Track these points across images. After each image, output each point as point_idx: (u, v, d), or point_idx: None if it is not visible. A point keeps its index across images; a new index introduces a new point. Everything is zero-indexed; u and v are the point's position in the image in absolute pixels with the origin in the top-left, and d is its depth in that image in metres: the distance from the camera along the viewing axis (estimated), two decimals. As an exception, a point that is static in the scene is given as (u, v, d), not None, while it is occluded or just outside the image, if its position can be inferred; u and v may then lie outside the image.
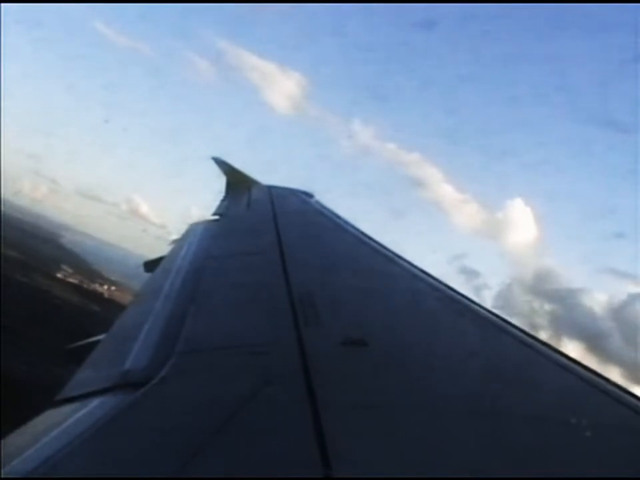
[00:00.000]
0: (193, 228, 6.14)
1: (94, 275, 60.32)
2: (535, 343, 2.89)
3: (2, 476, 1.51)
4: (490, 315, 3.29)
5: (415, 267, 4.35)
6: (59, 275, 49.73)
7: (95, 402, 2.06)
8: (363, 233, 5.53)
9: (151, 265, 5.04)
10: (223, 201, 7.91)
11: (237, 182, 8.79)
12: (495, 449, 1.81)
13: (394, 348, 2.63)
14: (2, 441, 1.84)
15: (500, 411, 2.08)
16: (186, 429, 1.79)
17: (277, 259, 3.99)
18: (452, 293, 3.73)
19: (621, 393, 2.33)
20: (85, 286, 51.54)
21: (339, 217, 6.36)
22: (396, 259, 4.61)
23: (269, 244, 4.54)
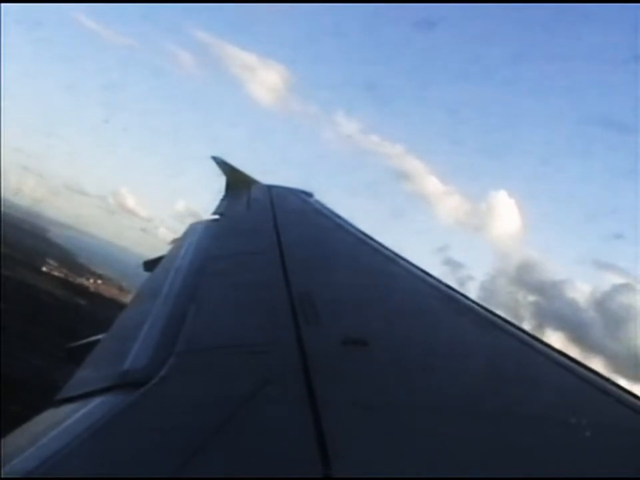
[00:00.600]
0: (192, 227, 6.14)
1: (80, 268, 60.19)
2: (535, 343, 2.89)
3: (2, 475, 1.51)
4: (490, 315, 3.29)
5: (415, 266, 4.35)
6: (44, 269, 49.68)
7: (94, 401, 2.05)
8: (362, 233, 5.53)
9: (150, 265, 5.04)
10: (222, 200, 7.91)
11: (236, 181, 8.79)
12: (495, 449, 1.81)
13: (394, 347, 2.63)
14: (2, 441, 1.84)
15: (500, 410, 2.08)
16: (186, 429, 1.79)
17: (276, 259, 3.99)
18: (452, 292, 3.73)
19: (621, 393, 2.34)
20: (71, 279, 51.51)
21: (338, 216, 6.36)
22: (396, 258, 4.61)
23: (268, 243, 4.53)
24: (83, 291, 48.07)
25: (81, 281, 53.67)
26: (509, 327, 3.11)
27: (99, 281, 57.08)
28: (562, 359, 2.70)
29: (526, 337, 2.96)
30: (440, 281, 3.97)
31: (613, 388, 2.37)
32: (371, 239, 5.28)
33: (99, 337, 3.14)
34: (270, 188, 8.13)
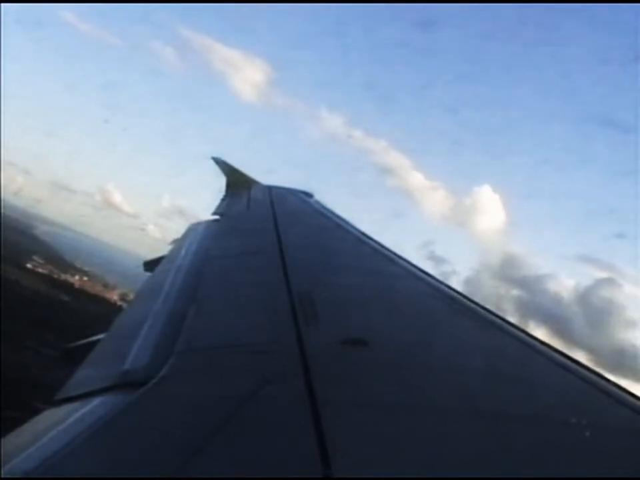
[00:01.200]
0: (192, 227, 6.14)
1: (66, 265, 59.94)
2: (535, 343, 2.89)
3: (2, 475, 1.51)
4: (490, 315, 3.29)
5: (415, 266, 4.35)
6: (28, 266, 49.46)
7: (94, 401, 2.05)
8: (362, 233, 5.53)
9: (151, 265, 5.04)
10: (222, 200, 7.91)
11: (236, 182, 8.80)
12: (495, 449, 1.81)
13: (393, 347, 2.63)
14: (2, 440, 1.84)
15: (500, 411, 2.08)
16: (186, 429, 1.79)
17: (276, 259, 3.99)
18: (451, 292, 3.73)
19: (621, 393, 2.33)
20: (55, 276, 51.36)
21: (338, 216, 6.37)
22: (395, 258, 4.61)
23: (268, 244, 4.54)
24: (67, 287, 47.92)
25: (66, 277, 53.46)
26: (509, 327, 3.11)
27: (85, 278, 56.94)
28: (562, 359, 2.70)
29: (526, 338, 2.96)
30: (440, 281, 3.97)
31: (613, 388, 2.37)
32: (371, 239, 5.28)
33: (99, 337, 3.14)
34: (270, 188, 8.14)
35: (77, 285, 52.30)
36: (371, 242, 5.17)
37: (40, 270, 50.03)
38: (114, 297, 53.36)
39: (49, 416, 2.08)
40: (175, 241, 5.82)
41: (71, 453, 1.64)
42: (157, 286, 3.76)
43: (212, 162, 9.44)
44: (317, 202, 7.36)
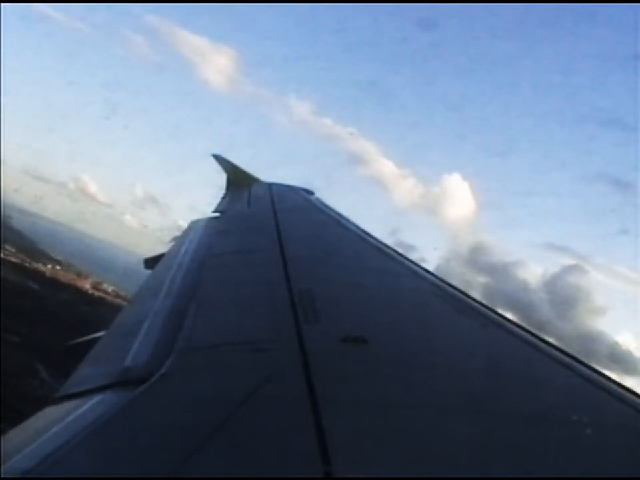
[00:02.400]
0: (193, 225, 6.15)
1: (39, 254, 59.15)
2: (535, 340, 2.89)
3: (2, 474, 1.51)
4: (490, 312, 3.29)
5: (415, 264, 4.35)
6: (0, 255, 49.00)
7: (95, 399, 2.06)
8: (363, 231, 5.53)
9: (151, 262, 5.05)
10: (223, 198, 7.92)
11: (237, 179, 8.80)
12: (496, 447, 1.81)
13: (393, 345, 2.63)
14: (2, 438, 1.84)
15: (500, 408, 2.09)
16: (186, 426, 1.80)
17: (277, 256, 3.99)
18: (452, 290, 3.73)
19: (621, 390, 2.33)
20: (27, 265, 50.89)
21: (339, 214, 6.37)
22: (396, 256, 4.61)
23: (269, 241, 4.54)
24: (38, 275, 47.59)
25: (38, 266, 52.93)
26: (509, 324, 3.11)
27: (57, 267, 56.63)
28: (562, 356, 2.70)
29: (526, 335, 2.96)
30: (440, 279, 3.96)
31: (613, 386, 2.37)
32: (372, 237, 5.28)
33: (100, 334, 3.15)
34: (270, 186, 8.14)
35: (48, 273, 51.87)
36: (371, 240, 5.17)
37: (11, 259, 49.34)
38: (86, 285, 53.25)
39: (49, 413, 2.08)
40: (175, 239, 5.82)
41: (71, 451, 1.65)
42: (158, 283, 3.77)
43: (219, 161, 9.41)
44: (318, 199, 7.35)
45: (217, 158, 9.48)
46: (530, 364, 2.66)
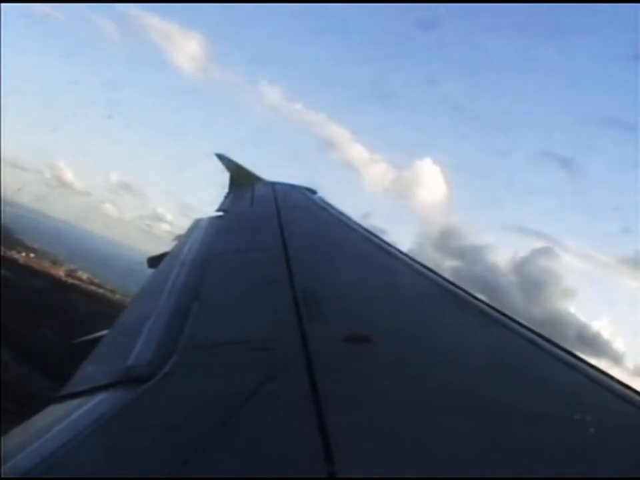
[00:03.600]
0: (197, 224, 6.15)
1: (15, 243, 58.53)
2: (540, 340, 2.88)
3: (2, 474, 1.50)
4: (494, 312, 3.28)
5: (419, 263, 4.34)
6: None
7: (97, 397, 2.06)
8: (365, 230, 5.53)
9: (154, 261, 5.06)
10: (226, 197, 7.92)
11: (240, 178, 8.80)
12: (500, 447, 1.80)
13: (397, 344, 2.63)
14: (3, 437, 1.84)
15: (504, 408, 2.08)
16: (189, 425, 1.79)
17: (280, 255, 3.99)
18: (455, 289, 3.72)
19: (623, 389, 2.33)
20: (1, 253, 50.57)
21: (342, 213, 6.37)
22: (399, 255, 4.61)
23: (272, 240, 4.54)
24: (10, 263, 47.04)
25: (11, 254, 52.43)
26: (513, 324, 3.10)
27: (32, 255, 56.36)
28: (567, 356, 2.69)
29: (530, 335, 2.95)
30: (444, 278, 3.96)
31: (615, 384, 2.37)
32: (375, 236, 5.28)
33: (103, 332, 3.15)
34: (273, 185, 8.14)
35: (21, 261, 51.49)
36: (374, 239, 5.16)
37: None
38: (60, 272, 53.10)
39: (52, 412, 2.08)
40: (179, 237, 5.84)
41: (73, 450, 1.65)
42: (161, 282, 3.77)
43: (222, 160, 9.40)
44: (321, 198, 7.35)
45: (220, 157, 9.49)
46: (534, 363, 2.65)
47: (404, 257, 4.56)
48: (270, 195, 7.30)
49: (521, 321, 3.17)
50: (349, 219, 6.06)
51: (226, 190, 8.49)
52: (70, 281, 51.39)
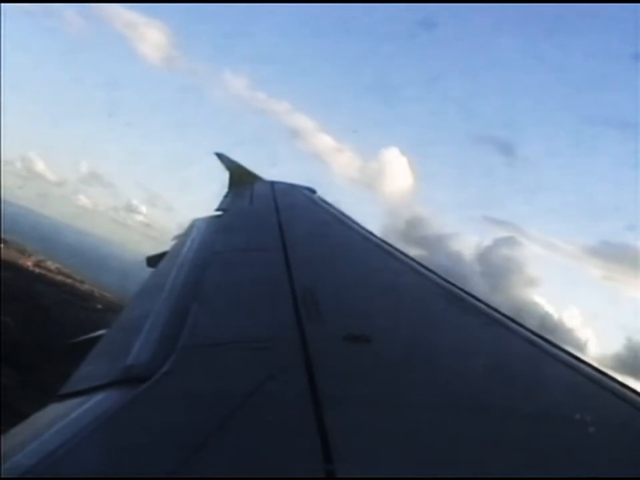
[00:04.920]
0: (195, 223, 6.15)
1: None
2: (540, 341, 2.88)
3: (2, 473, 1.50)
4: (494, 312, 3.29)
5: (419, 263, 4.34)
6: None
7: (97, 396, 2.06)
8: (365, 229, 5.53)
9: (153, 260, 5.05)
10: (225, 196, 7.92)
11: (239, 177, 8.80)
12: (499, 447, 1.80)
13: (397, 344, 2.63)
14: (2, 436, 1.84)
15: (504, 408, 2.08)
16: (188, 425, 1.79)
17: (279, 255, 3.99)
18: (455, 289, 3.72)
19: (623, 390, 2.33)
20: None
21: (341, 212, 6.37)
22: (399, 254, 4.60)
23: (271, 239, 4.54)
24: None
25: None
26: (513, 324, 3.11)
27: (1, 245, 56.06)
28: (567, 357, 2.69)
29: (530, 335, 2.95)
30: (444, 278, 3.96)
31: (615, 385, 2.37)
32: (374, 235, 5.28)
33: (102, 332, 3.15)
34: (273, 184, 8.14)
35: None
36: (374, 238, 5.16)
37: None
38: (28, 263, 52.61)
39: (51, 411, 2.08)
40: (178, 237, 5.83)
41: (72, 450, 1.64)
42: (160, 281, 3.76)
43: (221, 159, 9.40)
44: (320, 198, 7.36)
45: (220, 157, 9.49)
46: (534, 364, 2.65)
47: (404, 256, 4.55)
48: (269, 194, 7.30)
49: (521, 321, 3.18)
50: (349, 218, 6.06)
51: (225, 189, 8.49)
52: (37, 270, 50.86)
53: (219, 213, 6.56)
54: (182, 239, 5.51)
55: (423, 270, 4.16)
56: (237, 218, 6.24)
